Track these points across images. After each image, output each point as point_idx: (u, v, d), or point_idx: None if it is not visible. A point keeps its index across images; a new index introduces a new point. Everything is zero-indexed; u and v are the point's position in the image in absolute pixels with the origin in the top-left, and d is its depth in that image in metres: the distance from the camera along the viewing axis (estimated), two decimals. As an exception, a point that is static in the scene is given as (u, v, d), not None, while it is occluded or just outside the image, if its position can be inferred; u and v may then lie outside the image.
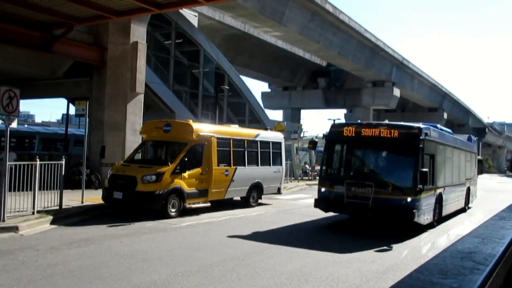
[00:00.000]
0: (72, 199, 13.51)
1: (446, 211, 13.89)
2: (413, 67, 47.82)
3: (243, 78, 35.25)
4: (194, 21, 27.49)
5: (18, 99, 10.61)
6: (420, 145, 11.20)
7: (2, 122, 11.11)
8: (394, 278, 7.37)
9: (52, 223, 10.98)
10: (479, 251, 2.33)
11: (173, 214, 12.80)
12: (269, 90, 54.76)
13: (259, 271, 7.63)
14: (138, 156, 14.78)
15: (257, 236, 10.86)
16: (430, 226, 12.34)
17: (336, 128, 12.72)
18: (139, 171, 12.82)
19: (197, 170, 13.71)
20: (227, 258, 8.45)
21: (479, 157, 71.82)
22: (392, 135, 11.40)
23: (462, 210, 16.71)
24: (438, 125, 14.76)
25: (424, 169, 10.97)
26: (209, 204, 14.11)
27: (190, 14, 26.81)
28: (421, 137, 11.27)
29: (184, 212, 13.22)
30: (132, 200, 12.60)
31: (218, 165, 14.50)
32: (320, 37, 32.48)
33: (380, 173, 12.17)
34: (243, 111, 32.26)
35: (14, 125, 10.78)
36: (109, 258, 8.01)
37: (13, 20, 15.59)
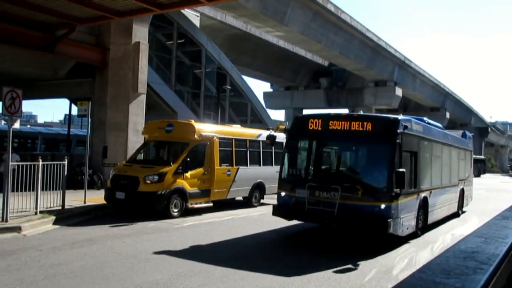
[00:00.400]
0: (75, 199, 13.54)
1: (433, 217, 12.22)
2: (415, 66, 47.73)
3: (245, 78, 35.29)
4: (196, 21, 27.49)
5: (21, 99, 10.63)
6: (397, 140, 9.41)
7: (5, 122, 11.13)
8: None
9: (54, 223, 11.01)
10: (482, 251, 2.32)
11: (175, 214, 12.81)
12: (271, 90, 54.75)
13: (262, 270, 7.63)
14: (140, 156, 14.79)
15: (259, 236, 10.87)
16: (414, 235, 10.67)
17: (300, 121, 10.98)
18: (141, 171, 12.84)
19: (199, 170, 13.72)
20: (230, 257, 8.45)
21: (481, 156, 71.54)
22: (364, 128, 9.65)
23: (455, 215, 15.15)
24: (425, 118, 13.01)
25: (401, 169, 9.12)
26: (211, 204, 14.12)
27: (192, 14, 26.81)
28: (398, 131, 9.45)
29: (187, 212, 13.23)
30: (135, 200, 12.62)
31: (220, 165, 14.51)
32: (322, 37, 32.45)
33: (349, 174, 10.55)
34: (245, 111, 32.27)
35: (16, 125, 10.81)
36: (111, 258, 8.03)
37: (15, 20, 15.64)
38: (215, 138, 14.32)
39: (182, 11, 24.25)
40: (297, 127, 10.90)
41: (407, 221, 9.96)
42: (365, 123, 9.70)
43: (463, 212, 16.26)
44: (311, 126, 10.34)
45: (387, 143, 9.44)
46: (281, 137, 17.36)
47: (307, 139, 10.92)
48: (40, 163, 11.29)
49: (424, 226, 11.38)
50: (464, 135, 17.54)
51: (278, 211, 10.44)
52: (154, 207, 12.60)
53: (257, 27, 32.84)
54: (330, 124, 10.10)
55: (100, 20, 15.89)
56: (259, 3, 25.60)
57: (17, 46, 16.47)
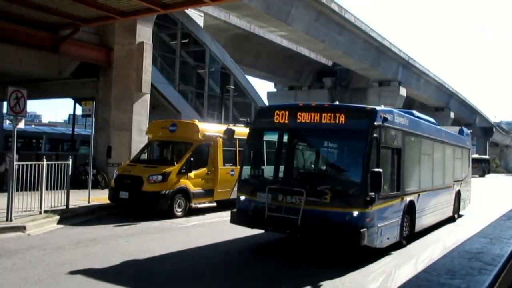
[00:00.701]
0: (79, 199, 13.57)
1: (422, 224, 10.82)
2: (420, 66, 47.66)
3: (249, 78, 35.27)
4: (200, 21, 27.53)
5: (25, 99, 10.67)
6: (374, 135, 8.06)
7: (10, 122, 11.18)
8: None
9: (59, 222, 11.04)
10: (487, 252, 2.31)
11: (179, 214, 12.83)
12: (275, 90, 54.71)
13: (266, 269, 7.63)
14: (144, 156, 14.82)
15: (261, 235, 10.85)
16: (398, 245, 9.27)
17: (264, 112, 9.57)
18: (145, 171, 12.87)
19: (203, 170, 13.73)
20: (233, 256, 8.45)
21: (486, 156, 71.11)
22: (336, 121, 8.30)
23: (450, 220, 13.74)
24: (414, 112, 11.72)
25: (377, 169, 7.78)
26: (215, 204, 14.13)
27: (195, 14, 26.85)
28: (375, 123, 8.12)
29: (190, 212, 13.24)
30: (138, 200, 12.65)
31: (224, 165, 14.51)
32: (326, 36, 32.41)
33: (317, 175, 9.17)
34: (249, 111, 32.24)
35: (21, 125, 10.85)
36: (115, 257, 8.04)
37: (20, 21, 15.70)
38: (218, 138, 14.33)
39: (186, 11, 24.28)
40: (261, 120, 9.46)
41: (387, 230, 8.59)
42: (337, 115, 8.34)
43: (459, 216, 14.92)
44: (276, 118, 8.90)
45: (362, 138, 8.06)
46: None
47: (271, 133, 9.67)
48: (45, 162, 11.32)
49: (410, 234, 9.95)
50: (461, 132, 16.16)
51: (236, 218, 9.05)
52: (158, 207, 12.63)
53: (261, 26, 32.83)
54: (298, 116, 8.68)
55: (104, 20, 15.93)
56: (263, 2, 25.60)
57: (21, 46, 16.53)
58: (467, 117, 70.14)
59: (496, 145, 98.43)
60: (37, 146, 29.56)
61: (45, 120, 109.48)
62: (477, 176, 53.99)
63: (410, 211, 9.76)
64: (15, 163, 10.52)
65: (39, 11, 14.71)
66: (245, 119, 10.42)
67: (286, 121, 8.84)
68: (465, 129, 16.72)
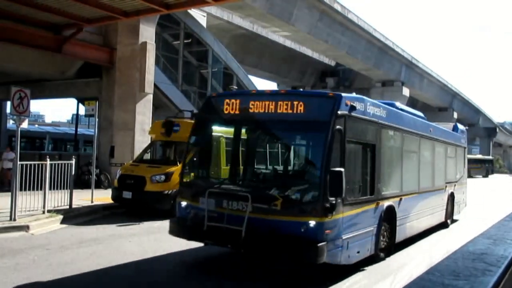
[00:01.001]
0: (82, 198, 13.60)
1: (405, 233, 9.37)
2: (423, 66, 47.58)
3: (252, 78, 35.30)
4: (203, 21, 27.54)
5: (29, 99, 10.70)
6: (337, 126, 6.64)
7: (13, 122, 11.20)
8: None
9: (62, 222, 11.07)
10: (491, 253, 2.30)
11: (182, 214, 12.83)
12: (278, 90, 54.78)
13: (268, 268, 7.62)
14: (147, 156, 14.84)
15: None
16: (374, 259, 7.88)
17: (212, 102, 8.19)
18: (148, 171, 12.89)
19: (206, 170, 13.72)
20: (235, 256, 8.44)
21: (489, 157, 70.94)
22: (294, 110, 6.90)
23: (442, 226, 12.40)
24: (397, 103, 10.21)
25: (337, 169, 6.29)
26: (217, 204, 14.11)
27: (198, 14, 26.85)
28: (339, 112, 6.69)
29: (193, 212, 13.24)
30: (141, 200, 12.66)
31: (226, 165, 14.46)
32: (329, 36, 32.40)
33: (267, 175, 7.97)
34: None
35: (24, 125, 10.88)
36: (118, 257, 8.05)
37: (23, 21, 15.75)
38: (221, 138, 14.30)
39: (189, 11, 24.28)
40: (208, 111, 8.10)
41: (357, 242, 7.14)
42: (295, 103, 6.92)
43: (453, 221, 13.65)
44: (226, 109, 7.54)
45: (321, 130, 6.61)
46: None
47: (220, 126, 8.54)
48: (48, 162, 11.33)
49: (390, 245, 8.53)
50: (455, 129, 14.66)
51: (174, 228, 7.64)
52: (161, 207, 12.63)
53: (264, 27, 32.84)
54: (250, 105, 7.31)
55: (107, 20, 15.97)
56: (266, 2, 25.59)
57: (25, 46, 16.58)
58: (470, 117, 69.99)
59: (499, 146, 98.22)
60: (40, 146, 29.67)
61: (48, 120, 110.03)
62: (481, 176, 53.90)
63: (389, 218, 8.37)
64: (19, 162, 10.54)
65: (42, 11, 14.75)
66: (190, 110, 9.32)
67: (237, 112, 7.48)
68: (460, 125, 15.33)
